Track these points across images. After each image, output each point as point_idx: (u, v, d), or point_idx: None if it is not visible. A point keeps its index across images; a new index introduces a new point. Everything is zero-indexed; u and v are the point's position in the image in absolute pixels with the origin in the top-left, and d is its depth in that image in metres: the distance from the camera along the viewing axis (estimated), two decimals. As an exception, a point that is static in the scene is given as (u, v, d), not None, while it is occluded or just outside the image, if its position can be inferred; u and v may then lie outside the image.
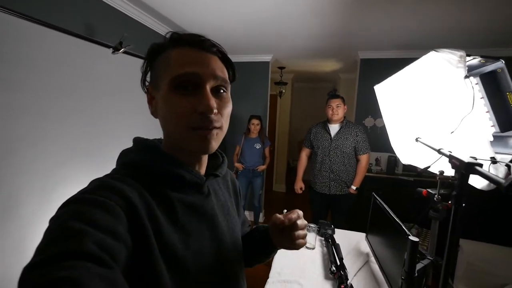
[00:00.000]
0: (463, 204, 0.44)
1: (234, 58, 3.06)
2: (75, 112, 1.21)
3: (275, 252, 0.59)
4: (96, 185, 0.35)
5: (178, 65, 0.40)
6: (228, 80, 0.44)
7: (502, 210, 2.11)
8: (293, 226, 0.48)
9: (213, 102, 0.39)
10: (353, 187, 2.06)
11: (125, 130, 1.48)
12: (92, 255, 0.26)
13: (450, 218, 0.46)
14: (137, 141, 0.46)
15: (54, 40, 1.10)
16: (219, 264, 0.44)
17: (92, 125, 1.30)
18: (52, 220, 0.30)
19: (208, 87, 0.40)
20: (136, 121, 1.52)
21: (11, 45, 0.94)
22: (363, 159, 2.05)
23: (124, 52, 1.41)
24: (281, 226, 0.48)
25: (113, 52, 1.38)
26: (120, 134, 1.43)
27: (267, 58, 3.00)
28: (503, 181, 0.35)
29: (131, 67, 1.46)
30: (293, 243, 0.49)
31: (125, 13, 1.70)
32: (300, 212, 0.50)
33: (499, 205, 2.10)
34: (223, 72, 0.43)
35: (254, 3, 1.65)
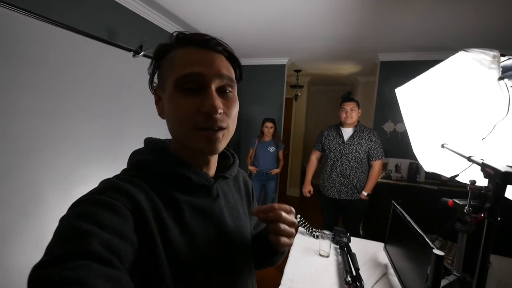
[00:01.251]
0: (499, 218, 0.39)
1: (250, 61, 3.08)
2: (96, 113, 1.26)
3: (279, 256, 0.55)
4: (104, 186, 0.36)
5: (183, 65, 0.39)
6: (235, 80, 0.43)
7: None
8: (279, 218, 0.41)
9: (218, 102, 0.38)
10: (364, 193, 1.98)
11: (143, 130, 1.52)
12: (98, 255, 0.26)
13: (483, 233, 0.41)
14: (148, 141, 0.46)
15: (78, 44, 1.15)
16: (226, 268, 0.43)
17: (111, 126, 1.35)
18: (61, 220, 0.31)
19: (213, 87, 0.39)
20: (153, 121, 1.56)
21: (39, 49, 0.99)
22: (376, 165, 1.97)
23: (144, 56, 1.45)
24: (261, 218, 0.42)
25: (133, 56, 1.43)
26: (139, 134, 1.47)
27: (283, 61, 2.98)
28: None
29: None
30: (278, 239, 0.40)
31: (145, 17, 1.76)
32: (287, 207, 0.43)
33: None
34: (229, 71, 0.42)
35: (271, 6, 1.65)
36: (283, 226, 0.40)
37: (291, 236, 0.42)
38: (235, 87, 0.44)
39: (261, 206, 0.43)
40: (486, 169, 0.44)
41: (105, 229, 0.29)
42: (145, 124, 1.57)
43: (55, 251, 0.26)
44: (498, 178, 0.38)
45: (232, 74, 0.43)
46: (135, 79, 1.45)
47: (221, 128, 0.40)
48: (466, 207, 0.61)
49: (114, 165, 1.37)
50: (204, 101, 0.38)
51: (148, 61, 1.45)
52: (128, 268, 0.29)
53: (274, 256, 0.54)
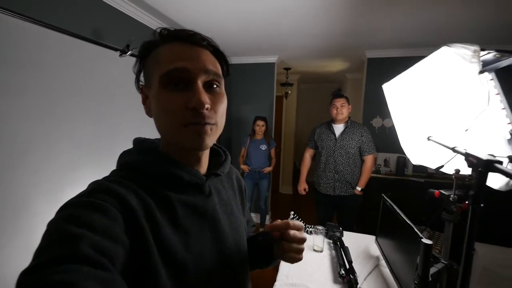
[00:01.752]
0: (482, 205, 0.41)
1: (239, 60, 3.07)
2: (84, 114, 1.23)
3: (275, 262, 0.56)
4: (93, 187, 0.35)
5: (167, 61, 0.38)
6: (222, 75, 0.43)
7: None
8: (287, 237, 0.44)
9: (205, 97, 0.38)
10: (358, 188, 2.02)
11: (133, 131, 1.49)
12: (88, 258, 0.25)
13: (468, 219, 0.43)
14: (137, 141, 0.45)
15: (63, 44, 1.12)
16: (220, 265, 0.43)
17: (101, 127, 1.32)
18: (49, 224, 0.30)
19: (199, 82, 0.39)
20: (143, 122, 1.53)
21: (24, 50, 0.96)
22: (368, 159, 2.01)
23: (131, 55, 1.42)
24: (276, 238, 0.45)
25: (120, 55, 1.40)
26: (128, 135, 1.44)
27: (272, 59, 2.99)
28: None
29: (137, 70, 1.47)
30: (285, 255, 0.45)
31: (132, 16, 1.72)
32: (300, 224, 0.45)
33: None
34: (215, 66, 0.41)
35: (259, 4, 1.65)
36: (296, 246, 0.44)
37: (301, 252, 0.45)
38: (222, 83, 0.43)
39: (276, 223, 0.45)
40: (469, 159, 0.46)
41: (94, 231, 0.28)
42: (137, 125, 1.53)
43: (44, 255, 0.26)
44: (480, 166, 0.40)
45: (219, 69, 0.42)
46: (125, 80, 1.42)
47: (209, 124, 0.39)
48: (451, 195, 0.63)
49: (106, 167, 1.34)
50: (191, 96, 0.38)
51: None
52: (121, 268, 0.29)
53: (270, 263, 0.56)
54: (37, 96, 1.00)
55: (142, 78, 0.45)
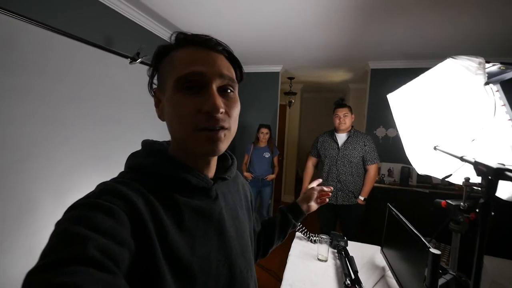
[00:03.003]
0: (492, 213, 0.42)
1: (244, 69, 3.11)
2: (92, 119, 1.25)
3: (303, 217, 0.76)
4: (101, 189, 0.35)
5: (183, 65, 0.39)
6: (236, 80, 0.43)
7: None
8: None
9: (220, 101, 0.38)
10: (361, 198, 2.00)
11: (139, 136, 1.51)
12: (94, 261, 0.25)
13: (479, 228, 0.43)
14: (145, 143, 0.45)
15: (72, 49, 1.15)
16: (226, 269, 0.42)
17: (108, 132, 1.34)
18: (57, 225, 0.30)
19: (214, 86, 0.39)
20: (150, 128, 1.56)
21: (34, 55, 0.99)
22: (372, 169, 2.00)
23: (141, 63, 1.46)
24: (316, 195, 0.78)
25: (130, 62, 1.43)
26: (133, 139, 1.46)
27: (277, 68, 3.04)
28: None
29: (147, 77, 1.51)
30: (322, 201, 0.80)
31: (142, 25, 1.78)
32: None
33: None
34: (230, 71, 0.42)
35: (264, 15, 1.70)
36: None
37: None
38: (236, 88, 0.43)
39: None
40: (479, 167, 0.47)
41: (101, 234, 0.28)
42: (142, 130, 1.56)
43: (51, 255, 0.26)
44: (490, 174, 0.41)
45: (233, 74, 0.43)
46: (131, 85, 1.46)
47: (223, 128, 0.39)
48: (461, 204, 0.63)
49: (110, 172, 1.35)
50: (205, 100, 0.38)
51: (145, 68, 1.46)
52: (125, 272, 0.29)
53: (301, 217, 0.76)
54: (42, 99, 1.02)
55: (155, 81, 0.46)
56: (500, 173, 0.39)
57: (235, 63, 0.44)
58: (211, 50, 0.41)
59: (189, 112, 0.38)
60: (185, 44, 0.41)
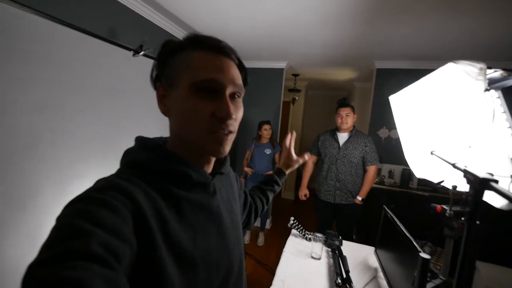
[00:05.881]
0: (477, 222, 0.42)
1: (249, 64, 3.11)
2: (95, 111, 1.27)
3: (285, 177, 0.88)
4: (103, 184, 0.35)
5: (201, 70, 0.40)
6: (243, 87, 0.46)
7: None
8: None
9: (232, 108, 0.41)
10: (359, 198, 2.00)
11: (140, 129, 1.53)
12: (97, 256, 0.26)
13: (463, 237, 0.44)
14: (141, 140, 0.45)
15: (79, 41, 1.16)
16: (226, 260, 0.45)
17: (110, 124, 1.36)
18: (58, 218, 0.30)
19: (227, 93, 0.41)
20: (151, 120, 1.57)
21: (40, 45, 1.00)
22: (371, 170, 2.00)
23: (144, 55, 1.47)
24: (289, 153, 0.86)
25: (134, 55, 1.44)
26: (135, 132, 1.48)
27: (281, 65, 3.01)
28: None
29: (149, 69, 1.52)
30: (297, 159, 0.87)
31: (146, 17, 1.77)
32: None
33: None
34: (240, 79, 0.44)
35: (270, 12, 1.68)
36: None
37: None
38: (243, 93, 0.46)
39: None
40: (467, 175, 0.47)
41: (104, 229, 0.28)
42: (144, 123, 1.57)
43: (53, 249, 0.26)
44: (476, 183, 0.41)
45: (241, 81, 0.45)
46: (134, 78, 1.46)
47: (230, 132, 0.42)
48: (447, 211, 0.63)
49: (112, 163, 1.38)
50: (220, 106, 0.40)
51: (148, 60, 1.47)
52: (126, 268, 0.29)
53: (283, 177, 0.87)
54: (46, 89, 1.03)
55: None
56: (485, 183, 0.39)
57: (243, 69, 0.47)
58: (226, 57, 0.43)
59: (204, 114, 0.40)
60: (201, 46, 0.42)
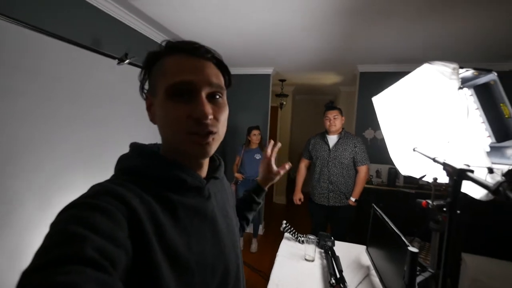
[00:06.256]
0: (458, 212, 0.44)
1: (235, 71, 3.14)
2: (78, 120, 1.23)
3: (264, 193, 0.80)
4: (97, 190, 0.35)
5: (174, 73, 0.40)
6: (224, 86, 0.45)
7: (509, 224, 2.06)
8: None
9: (208, 108, 0.40)
10: (352, 199, 2.03)
11: (127, 138, 1.49)
12: (91, 261, 0.26)
13: (446, 227, 0.46)
14: (135, 146, 0.46)
15: (60, 50, 1.14)
16: (221, 264, 0.45)
17: (95, 133, 1.33)
18: (52, 225, 0.30)
19: (203, 94, 0.41)
20: (138, 129, 1.55)
21: (22, 55, 0.98)
22: (362, 170, 2.04)
23: (129, 63, 1.45)
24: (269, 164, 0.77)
25: (118, 63, 1.42)
26: (122, 142, 1.45)
27: (268, 71, 3.06)
28: (491, 184, 0.35)
29: (135, 78, 1.50)
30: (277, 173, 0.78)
31: (131, 26, 1.77)
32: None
33: (506, 218, 2.06)
34: (218, 78, 0.44)
35: (255, 20, 1.71)
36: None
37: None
38: (225, 93, 0.46)
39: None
40: (447, 168, 0.49)
41: (99, 235, 0.28)
42: (131, 131, 1.55)
43: (47, 255, 0.25)
44: (455, 175, 0.43)
45: (221, 81, 0.45)
46: (120, 87, 1.44)
47: (211, 133, 0.41)
48: (430, 204, 0.66)
49: (100, 173, 1.35)
50: (195, 107, 0.40)
51: (133, 69, 1.46)
52: (122, 273, 0.29)
53: (262, 193, 0.79)
54: (29, 100, 1.00)
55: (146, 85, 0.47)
56: (463, 174, 0.42)
57: (224, 69, 0.46)
58: (200, 58, 0.42)
59: (180, 117, 0.40)
60: (175, 51, 0.43)
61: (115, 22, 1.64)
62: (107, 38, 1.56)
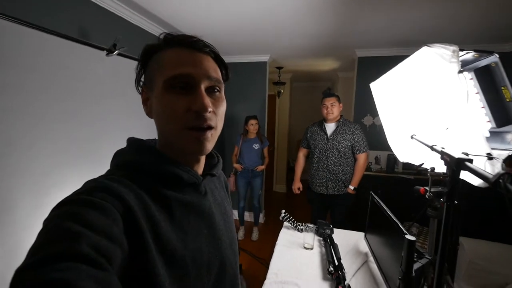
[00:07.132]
0: (456, 202, 0.43)
1: (230, 59, 3.06)
2: (70, 114, 1.21)
3: None
4: (92, 186, 0.34)
5: (172, 66, 0.40)
6: (222, 80, 0.45)
7: (505, 208, 2.08)
8: None
9: (208, 101, 0.40)
10: (351, 187, 2.03)
11: (120, 132, 1.47)
12: (87, 257, 0.25)
13: (443, 216, 0.45)
14: (132, 141, 0.45)
15: (48, 44, 1.10)
16: (218, 261, 0.45)
17: (86, 127, 1.30)
18: (46, 221, 0.29)
19: (202, 87, 0.41)
20: (131, 122, 1.52)
21: (7, 49, 0.94)
22: (361, 158, 2.02)
23: (118, 54, 1.41)
24: None
25: (107, 55, 1.38)
26: (115, 136, 1.43)
27: (264, 58, 2.99)
28: (490, 176, 0.34)
29: (125, 69, 1.46)
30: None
31: (118, 14, 1.69)
32: None
33: (502, 203, 2.07)
34: (216, 72, 0.43)
35: (251, 5, 1.64)
36: None
37: None
38: (223, 87, 0.45)
39: None
40: (444, 157, 0.48)
41: (94, 231, 0.28)
42: (125, 126, 1.52)
43: (42, 252, 0.25)
44: (453, 164, 0.41)
45: (219, 75, 0.44)
46: (111, 80, 1.40)
47: (210, 127, 0.41)
48: (427, 193, 0.65)
49: (93, 169, 1.33)
50: (195, 100, 0.39)
51: (124, 60, 1.41)
52: (118, 269, 0.29)
53: None
54: (17, 95, 0.98)
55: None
56: (461, 164, 0.40)
57: (222, 63, 0.46)
58: (199, 52, 0.42)
59: (179, 110, 0.39)
60: (173, 44, 0.42)
61: (101, 10, 1.57)
62: (94, 28, 1.50)
